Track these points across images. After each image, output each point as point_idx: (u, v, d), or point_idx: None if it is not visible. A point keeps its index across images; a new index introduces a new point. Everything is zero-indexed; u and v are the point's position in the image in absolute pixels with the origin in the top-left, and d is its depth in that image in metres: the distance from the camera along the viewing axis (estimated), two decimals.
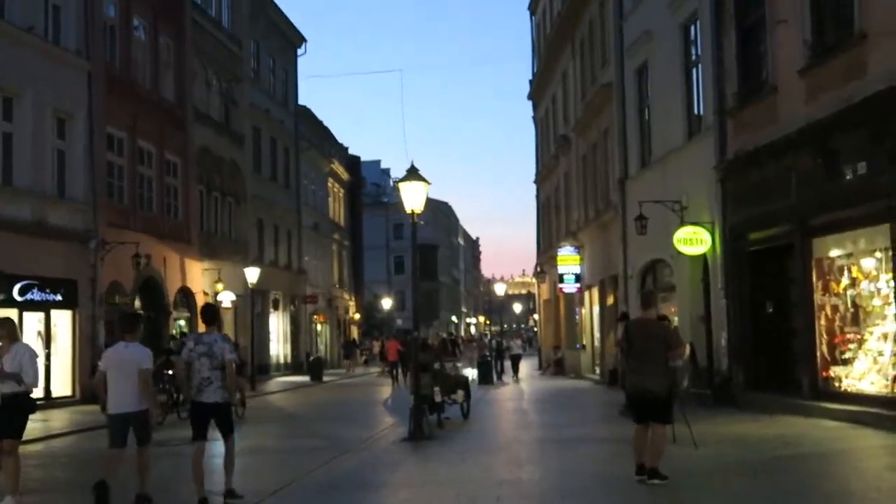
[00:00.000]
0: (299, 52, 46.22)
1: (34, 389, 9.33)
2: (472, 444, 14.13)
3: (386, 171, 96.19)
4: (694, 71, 20.10)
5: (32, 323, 22.09)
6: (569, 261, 31.45)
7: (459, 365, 20.05)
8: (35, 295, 21.82)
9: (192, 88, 31.93)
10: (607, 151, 27.12)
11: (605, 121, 26.99)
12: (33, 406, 9.71)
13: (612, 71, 25.60)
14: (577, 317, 33.90)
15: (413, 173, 14.39)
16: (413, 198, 14.36)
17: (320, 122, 51.43)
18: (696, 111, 20.05)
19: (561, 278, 31.95)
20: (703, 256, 18.71)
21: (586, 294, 31.67)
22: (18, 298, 21.26)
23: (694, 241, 18.33)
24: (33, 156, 22.05)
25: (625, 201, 24.24)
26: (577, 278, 31.34)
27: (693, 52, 20.10)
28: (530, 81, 45.05)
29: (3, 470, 9.09)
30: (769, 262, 16.88)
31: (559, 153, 35.93)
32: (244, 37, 37.82)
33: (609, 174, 26.75)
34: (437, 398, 16.24)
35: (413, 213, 14.50)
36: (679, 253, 18.98)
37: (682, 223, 18.95)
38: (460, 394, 17.81)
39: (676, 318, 20.87)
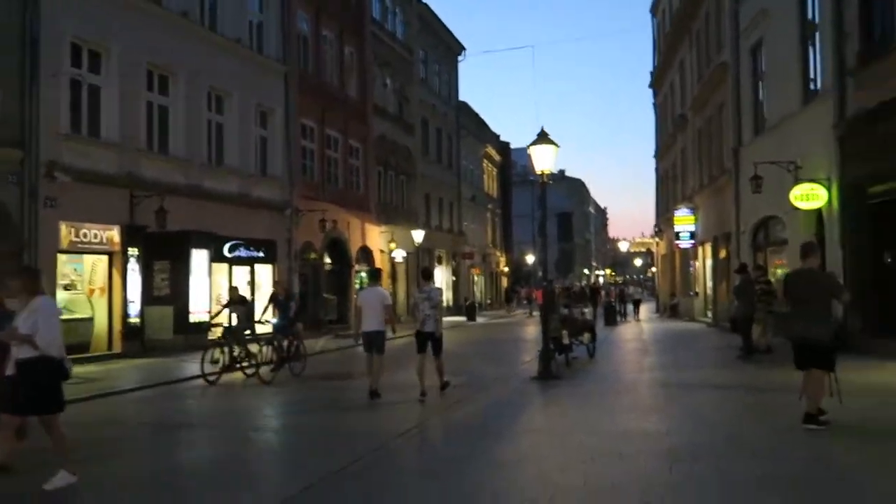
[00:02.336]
0: (459, 58, 43.93)
1: (54, 352, 5.95)
2: (596, 385, 11.50)
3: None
4: (809, 42, 16.48)
5: (241, 274, 21.05)
6: (684, 220, 27.95)
7: (587, 311, 17.33)
8: (241, 252, 20.66)
9: (372, 88, 30.23)
10: (722, 124, 23.45)
11: (720, 96, 23.29)
12: (56, 372, 6.02)
13: (727, 53, 21.91)
14: (692, 269, 30.33)
15: (543, 137, 11.81)
16: (543, 159, 11.79)
17: (477, 115, 49.00)
18: (811, 78, 16.45)
19: (677, 235, 28.47)
20: (818, 211, 15.28)
21: (699, 249, 28.11)
22: (228, 255, 20.16)
23: (810, 196, 14.91)
24: (240, 142, 20.81)
25: (738, 166, 20.74)
26: (692, 235, 27.85)
27: (811, 20, 16.44)
28: (651, 73, 41.12)
29: (51, 442, 6.09)
30: (888, 214, 13.37)
31: (677, 131, 32.16)
32: (415, 46, 35.79)
33: (723, 144, 23.14)
34: (566, 340, 13.72)
35: (543, 173, 11.94)
36: (794, 209, 15.56)
37: (797, 181, 15.56)
38: (587, 336, 15.18)
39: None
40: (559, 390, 10.99)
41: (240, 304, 14.07)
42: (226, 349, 13.06)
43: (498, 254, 54.24)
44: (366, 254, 28.83)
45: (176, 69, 18.11)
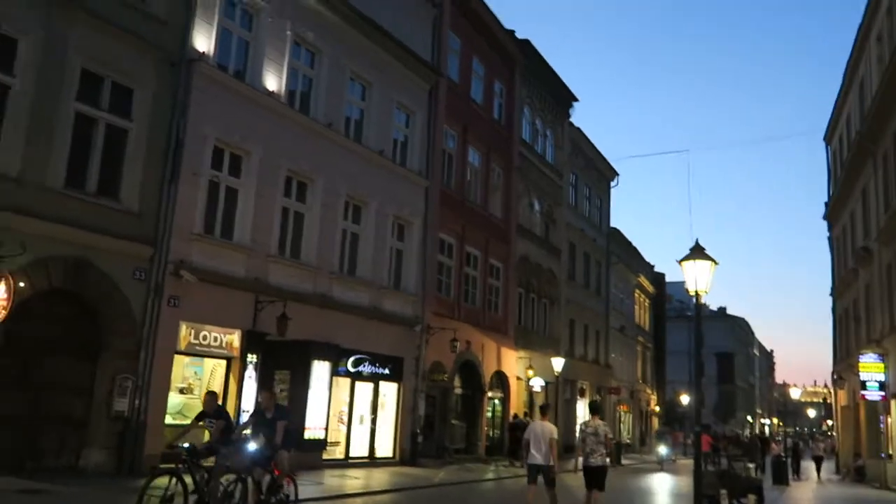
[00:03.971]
0: (612, 184, 42.97)
1: None
2: None
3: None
4: None
5: (364, 392, 20.21)
6: (872, 368, 24.25)
7: (751, 466, 14.71)
8: (365, 367, 19.88)
9: (518, 208, 29.69)
10: None
11: None
12: None
13: None
14: (882, 425, 26.16)
15: (698, 251, 10.23)
16: (697, 276, 10.15)
17: (629, 242, 47.25)
18: None
19: (863, 385, 24.67)
20: None
21: (892, 402, 24.21)
22: (351, 369, 19.43)
23: None
24: (374, 253, 20.53)
25: None
26: (882, 386, 24.07)
27: None
28: (826, 204, 37.99)
29: None
30: None
31: (859, 265, 28.83)
32: (564, 170, 35.24)
33: None
34: (724, 502, 11.42)
35: (697, 293, 10.26)
36: None
37: None
38: (752, 498, 12.64)
39: None
40: None
41: (215, 417, 10.28)
42: (175, 481, 9.17)
43: (648, 391, 50.66)
44: (500, 379, 27.35)
45: (315, 176, 18.28)
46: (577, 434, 12.21)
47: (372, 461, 19.85)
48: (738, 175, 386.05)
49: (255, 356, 16.25)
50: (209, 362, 16.22)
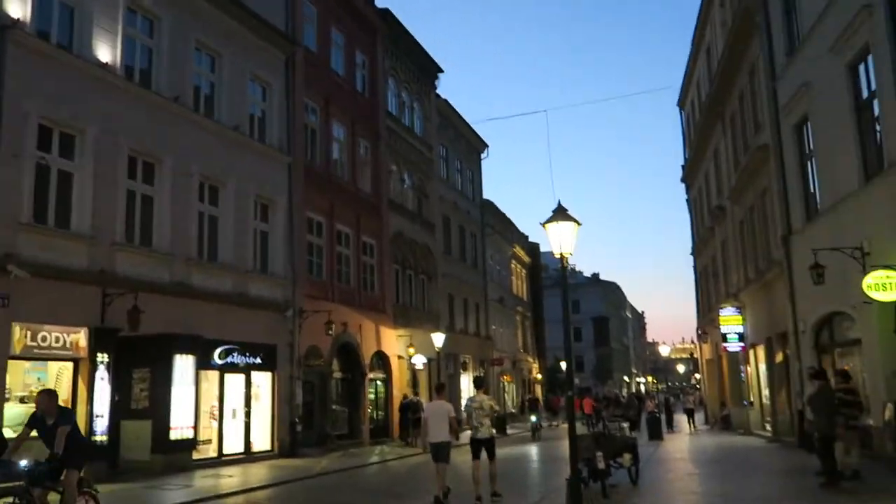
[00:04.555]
0: (482, 155, 43.07)
1: None
2: None
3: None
4: (865, 111, 14.71)
5: (235, 383, 19.10)
6: (731, 321, 25.45)
7: (625, 426, 14.82)
8: (235, 358, 18.76)
9: (388, 182, 29.01)
10: (766, 212, 21.49)
11: (762, 182, 21.44)
12: None
13: (766, 133, 20.23)
14: (743, 375, 27.60)
15: (561, 212, 9.95)
16: (562, 238, 9.88)
17: (503, 214, 47.68)
18: (871, 151, 14.57)
19: (724, 338, 25.88)
20: None
21: (750, 353, 25.51)
22: (219, 361, 18.28)
23: (889, 285, 12.68)
24: (236, 235, 19.33)
25: (790, 257, 18.63)
26: (741, 337, 25.30)
27: (864, 90, 14.72)
28: (682, 167, 39.67)
29: None
30: None
31: (714, 224, 30.22)
32: (434, 142, 34.86)
33: (770, 233, 21.11)
34: (601, 464, 11.35)
35: (563, 256, 10.00)
36: (866, 301, 13.32)
37: (866, 269, 13.39)
38: (627, 457, 12.66)
39: (864, 375, 15.07)
40: None
41: (59, 423, 8.21)
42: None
43: (530, 360, 51.63)
44: (381, 359, 26.77)
45: (162, 155, 16.86)
46: (463, 409, 12.76)
47: (249, 456, 18.81)
48: (600, 137, 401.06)
49: (105, 355, 14.85)
50: (53, 366, 14.71)
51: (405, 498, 12.71)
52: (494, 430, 11.67)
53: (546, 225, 9.94)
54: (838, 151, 15.64)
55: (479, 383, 12.29)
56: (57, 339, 14.14)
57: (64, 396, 14.70)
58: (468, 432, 11.68)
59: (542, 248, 61.01)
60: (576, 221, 10.00)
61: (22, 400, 14.21)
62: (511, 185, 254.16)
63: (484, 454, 11.30)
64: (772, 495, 11.49)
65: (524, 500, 11.79)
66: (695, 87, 34.35)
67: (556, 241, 9.89)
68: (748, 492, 11.93)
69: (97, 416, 14.69)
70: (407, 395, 26.42)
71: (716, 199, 29.90)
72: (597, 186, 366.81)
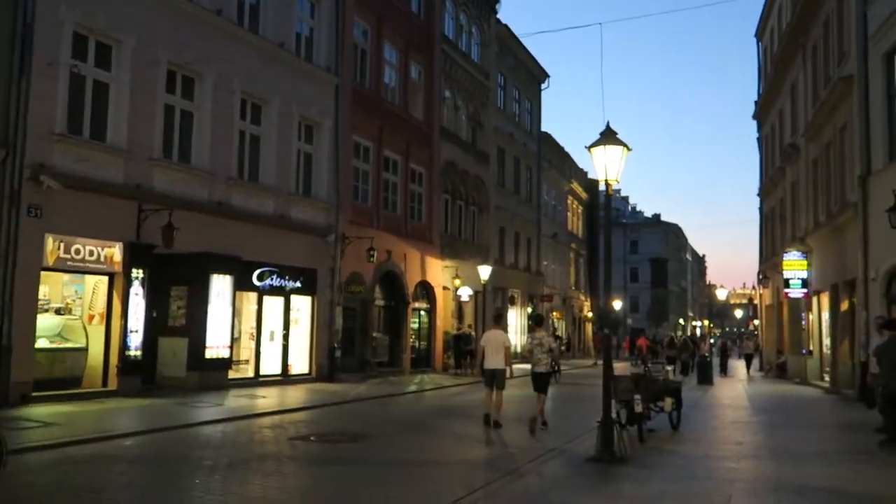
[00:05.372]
0: (543, 86, 41.53)
1: None
2: (676, 479, 8.34)
3: (625, 199, 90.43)
4: None
5: (274, 306, 19.02)
6: (795, 266, 24.14)
7: (669, 368, 14.13)
8: (274, 281, 18.61)
9: (440, 110, 28.14)
10: (843, 150, 19.99)
11: (842, 118, 19.87)
12: None
13: (852, 64, 18.62)
14: (804, 322, 26.38)
15: (609, 135, 9.12)
16: (608, 164, 9.07)
17: (561, 147, 46.32)
18: None
19: (786, 283, 24.61)
20: None
21: (814, 300, 24.27)
22: (258, 283, 18.16)
23: None
24: (278, 156, 18.92)
25: (866, 198, 17.33)
26: (804, 283, 24.03)
27: None
28: (755, 102, 37.52)
29: None
30: None
31: (786, 163, 28.49)
32: (491, 70, 33.62)
33: (846, 173, 19.67)
34: (639, 407, 10.73)
35: (607, 182, 9.22)
36: None
37: None
38: (668, 401, 12.01)
39: None
40: (620, 485, 8.07)
41: None
42: None
43: (582, 298, 50.90)
44: (426, 290, 26.47)
45: (202, 70, 16.39)
46: (525, 344, 13.54)
47: (286, 378, 18.85)
48: (662, 64, 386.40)
49: (140, 271, 14.77)
50: (90, 279, 14.72)
51: (426, 431, 12.31)
52: (555, 365, 13.00)
53: (592, 149, 9.15)
54: None
55: (538, 321, 12.81)
56: (91, 253, 14.06)
57: (99, 310, 14.83)
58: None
59: (601, 186, 59.62)
60: (625, 146, 9.19)
61: (58, 311, 14.34)
62: (571, 120, 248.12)
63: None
64: (825, 451, 10.67)
65: (562, 438, 11.22)
66: (775, 17, 32.10)
67: (602, 166, 9.10)
68: (799, 445, 11.10)
69: (132, 332, 14.72)
70: (460, 327, 26.72)
71: (789, 138, 28.17)
72: (658, 120, 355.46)
